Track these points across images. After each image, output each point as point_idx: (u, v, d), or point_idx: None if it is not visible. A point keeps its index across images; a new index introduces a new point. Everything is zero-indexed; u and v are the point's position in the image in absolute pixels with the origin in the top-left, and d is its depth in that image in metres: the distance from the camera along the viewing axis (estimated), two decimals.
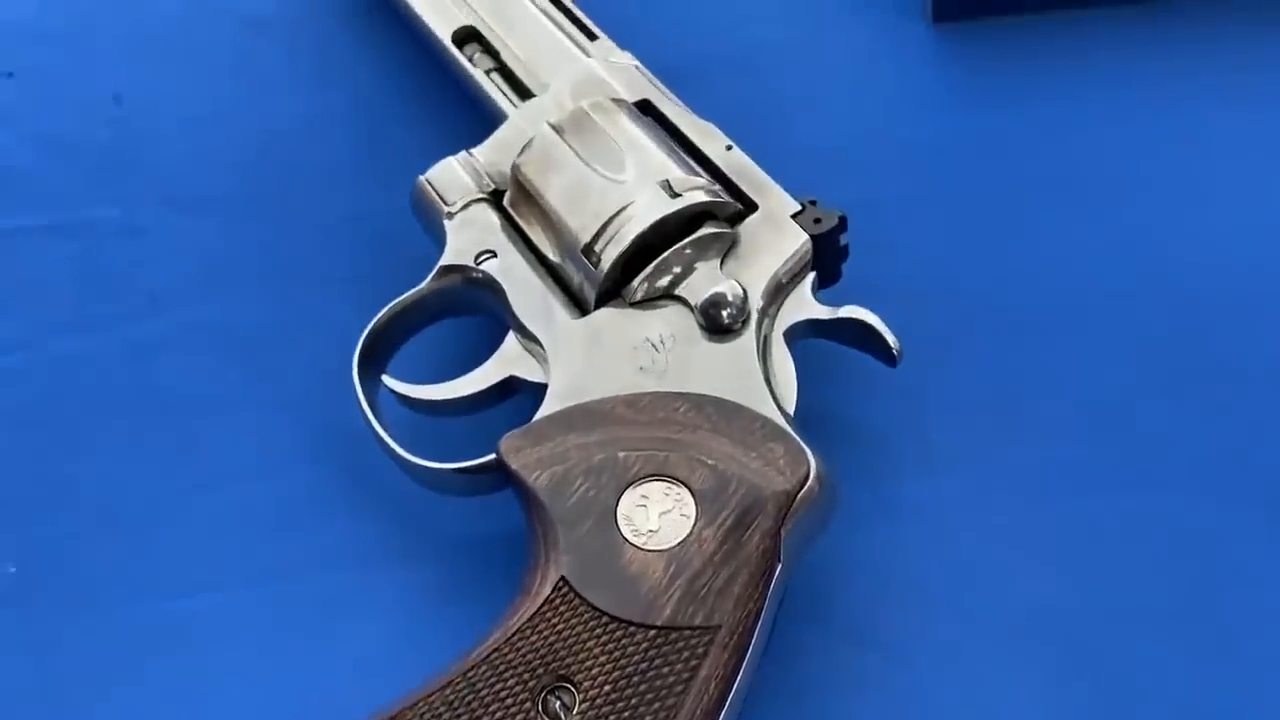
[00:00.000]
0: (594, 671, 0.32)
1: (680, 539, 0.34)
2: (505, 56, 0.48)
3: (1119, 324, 0.45)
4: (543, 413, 0.38)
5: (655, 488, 0.35)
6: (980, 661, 0.39)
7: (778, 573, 0.34)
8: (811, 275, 0.40)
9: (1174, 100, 0.50)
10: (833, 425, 0.41)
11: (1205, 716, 0.38)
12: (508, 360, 0.41)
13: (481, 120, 0.48)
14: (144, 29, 0.56)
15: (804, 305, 0.40)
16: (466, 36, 0.49)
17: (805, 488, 0.35)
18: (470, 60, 0.49)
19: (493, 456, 0.38)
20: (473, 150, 0.45)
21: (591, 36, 0.48)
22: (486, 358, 0.42)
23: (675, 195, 0.40)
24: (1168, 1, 0.52)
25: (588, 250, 0.40)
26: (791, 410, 0.38)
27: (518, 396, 0.41)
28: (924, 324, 0.42)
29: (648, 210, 0.40)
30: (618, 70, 0.46)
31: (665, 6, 0.55)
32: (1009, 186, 0.49)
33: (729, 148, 0.43)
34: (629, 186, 0.40)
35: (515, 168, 0.43)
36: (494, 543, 0.41)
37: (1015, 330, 0.45)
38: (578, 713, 0.32)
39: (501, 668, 0.32)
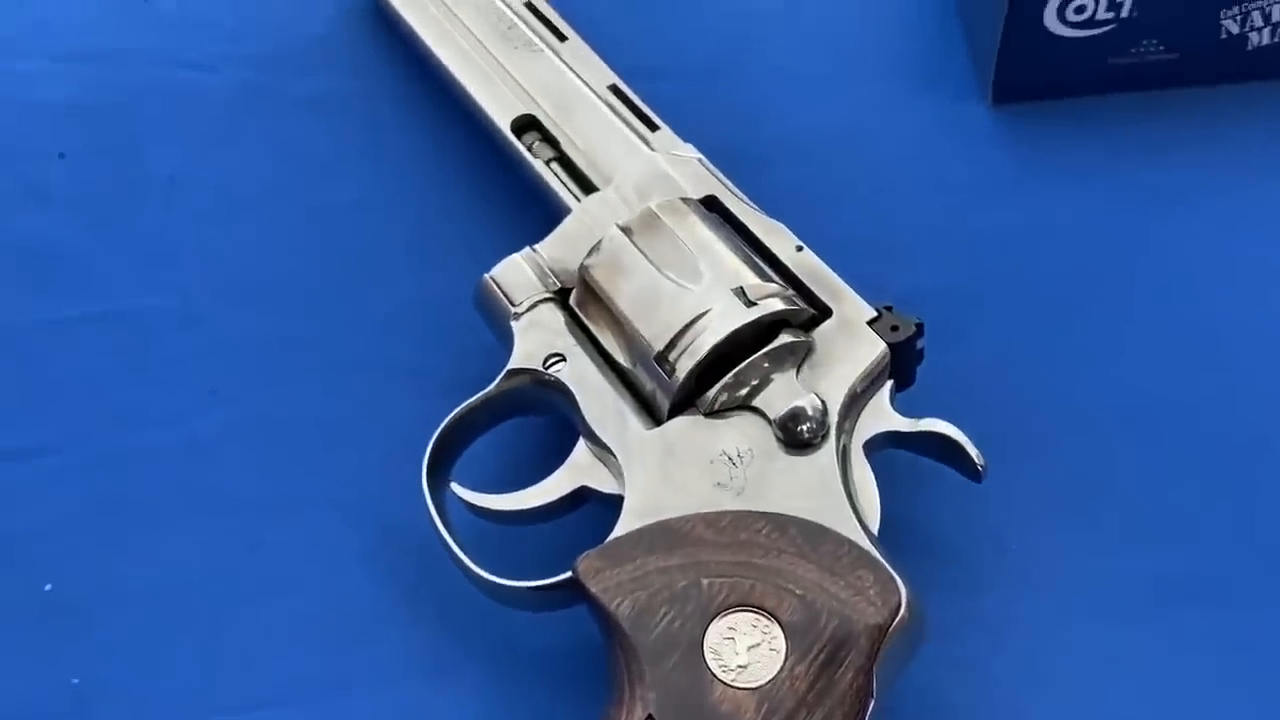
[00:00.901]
0: None
1: (771, 676, 0.32)
2: (565, 146, 0.47)
3: (1194, 424, 0.43)
4: (620, 530, 0.36)
5: (743, 619, 0.33)
6: None
7: (870, 708, 0.32)
8: (889, 384, 0.39)
9: (1242, 185, 0.49)
10: (906, 532, 0.39)
11: None
12: (579, 469, 0.39)
13: (540, 208, 0.47)
14: (195, 109, 0.54)
15: (883, 416, 0.38)
16: (525, 125, 0.48)
17: (898, 619, 0.33)
18: (529, 149, 0.47)
19: (569, 575, 0.36)
20: (537, 246, 0.44)
21: (653, 126, 0.47)
22: (552, 455, 0.41)
23: (751, 304, 0.38)
24: (1233, 85, 0.51)
25: (661, 359, 0.38)
26: (876, 529, 0.36)
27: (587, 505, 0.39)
28: (995, 424, 0.40)
29: (723, 321, 0.38)
30: (682, 164, 0.45)
31: (723, 90, 0.53)
32: (1076, 275, 0.47)
33: (799, 248, 0.42)
34: (703, 294, 0.39)
35: (584, 269, 0.41)
36: (561, 654, 0.40)
37: (1089, 431, 0.43)
38: None
39: None
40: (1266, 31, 0.49)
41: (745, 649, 0.33)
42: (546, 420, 0.43)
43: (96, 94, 0.55)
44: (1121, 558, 0.40)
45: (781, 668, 0.32)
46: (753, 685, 0.32)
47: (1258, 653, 0.39)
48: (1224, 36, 0.49)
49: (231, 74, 0.56)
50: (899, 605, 0.34)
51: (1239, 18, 0.49)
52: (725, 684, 0.32)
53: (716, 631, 0.33)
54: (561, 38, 0.50)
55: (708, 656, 0.33)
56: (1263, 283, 0.46)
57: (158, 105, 0.55)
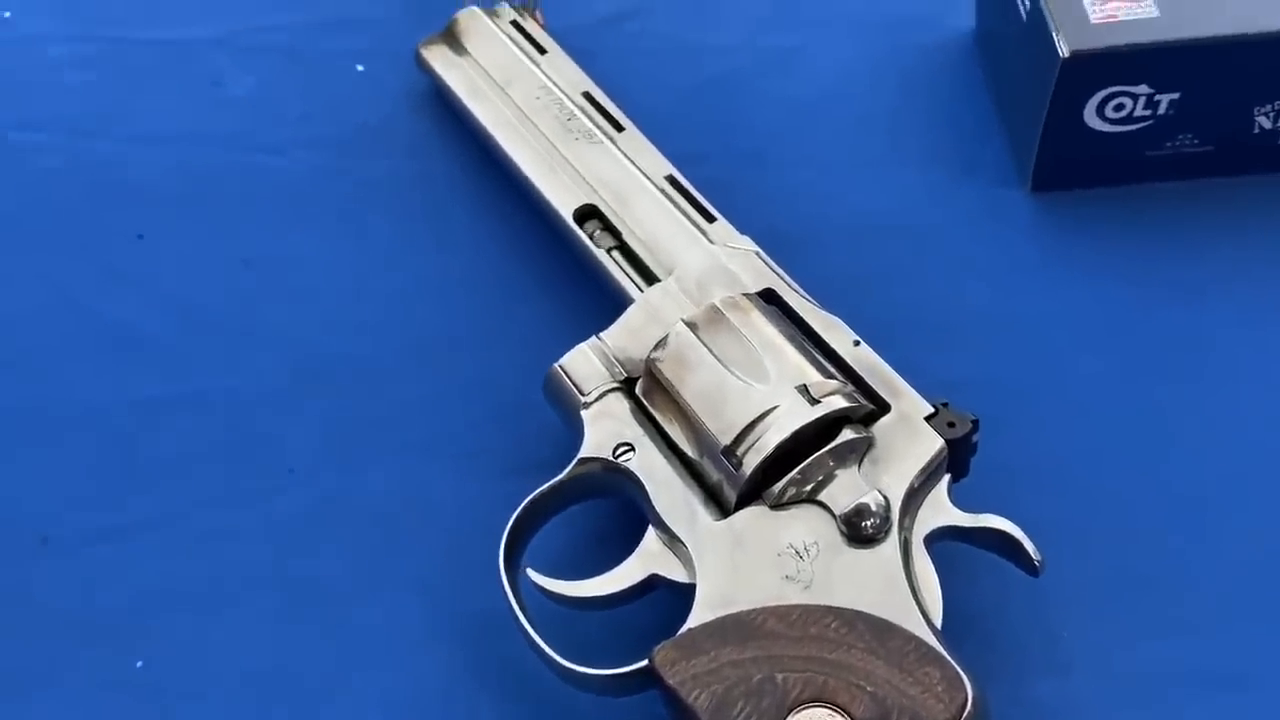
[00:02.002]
0: None
1: None
2: (626, 235, 0.48)
3: (1239, 516, 0.43)
4: (693, 621, 0.37)
5: (818, 714, 0.34)
6: None
7: None
8: (946, 478, 0.39)
9: (1275, 275, 0.49)
10: (961, 620, 0.39)
11: None
12: (650, 557, 0.39)
13: (600, 294, 0.47)
14: (267, 191, 0.55)
15: (941, 510, 0.39)
16: (587, 213, 0.49)
17: (964, 716, 0.33)
18: (591, 237, 0.48)
19: (645, 664, 0.36)
20: (602, 336, 0.44)
21: (709, 218, 0.47)
22: (615, 534, 0.41)
23: (815, 401, 0.39)
24: (1266, 176, 0.51)
25: (728, 453, 0.39)
26: (939, 623, 0.36)
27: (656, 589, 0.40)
28: (1042, 512, 0.40)
29: (789, 418, 0.38)
30: (740, 257, 0.45)
31: (768, 175, 0.54)
32: (1115, 363, 0.48)
33: (856, 343, 0.42)
34: (768, 392, 0.39)
35: (651, 362, 0.42)
36: None
37: (1134, 522, 0.43)
38: None
39: None
40: None
41: None
42: (607, 502, 0.43)
43: (172, 176, 0.56)
44: (1167, 647, 0.40)
45: None
46: None
47: None
48: (1257, 131, 0.50)
49: (301, 157, 0.56)
50: (965, 702, 0.34)
51: (1272, 114, 0.49)
52: None
53: None
54: (619, 128, 0.51)
55: None
56: None
57: (231, 187, 0.55)
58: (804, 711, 0.34)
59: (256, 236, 0.54)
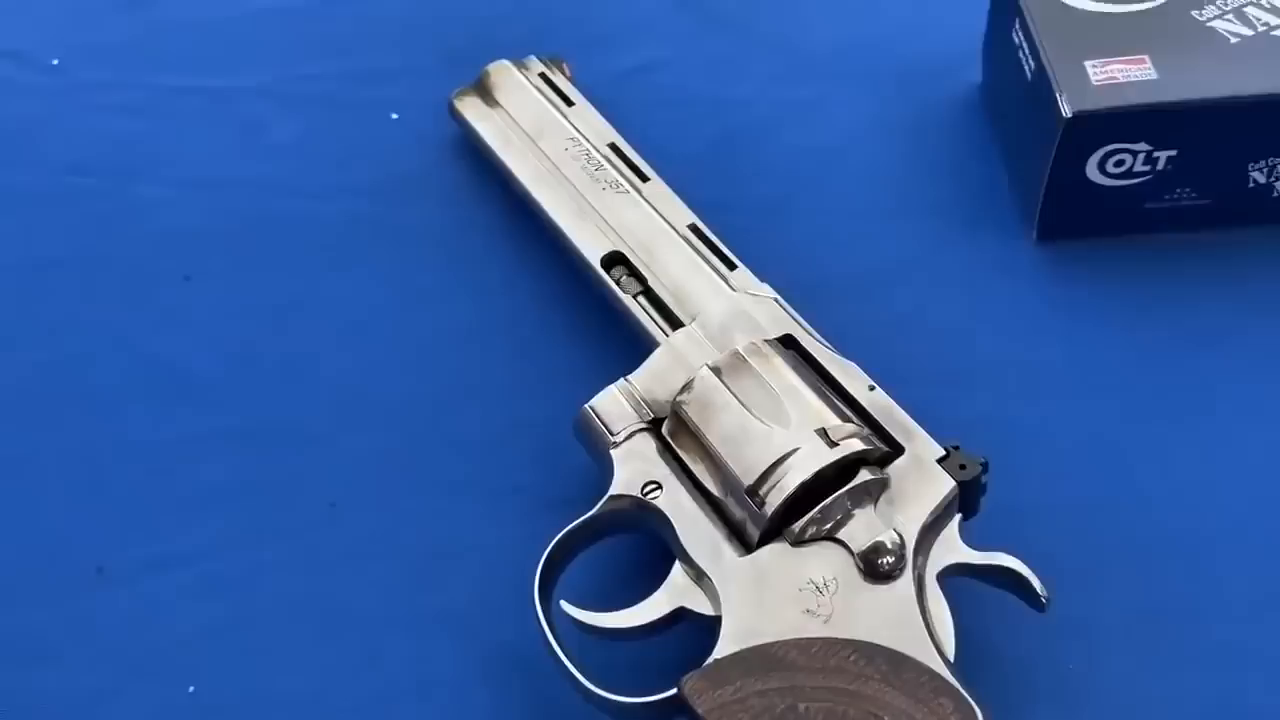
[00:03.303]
0: None
1: None
2: (651, 281, 0.49)
3: (1242, 555, 0.45)
4: (719, 652, 0.38)
5: None
6: None
7: None
8: (957, 517, 0.41)
9: (1271, 323, 0.51)
10: (973, 654, 0.41)
11: None
12: (677, 591, 0.41)
13: (627, 338, 0.49)
14: (309, 235, 0.57)
15: (953, 548, 0.40)
16: (614, 260, 0.50)
17: None
18: (618, 283, 0.50)
19: (674, 692, 0.38)
20: (630, 378, 0.46)
21: (731, 265, 0.49)
22: (647, 569, 0.43)
23: (833, 444, 0.41)
24: (1261, 228, 0.53)
25: (752, 492, 0.40)
26: (951, 655, 0.38)
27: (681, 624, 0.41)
28: (1050, 550, 0.42)
29: (809, 460, 0.40)
30: (760, 304, 0.47)
31: (786, 224, 0.56)
32: (1120, 406, 0.49)
33: (871, 387, 0.44)
34: (789, 435, 0.41)
35: (677, 405, 0.43)
36: None
37: (1139, 561, 0.45)
38: None
39: None
40: None
41: None
42: (635, 537, 0.45)
43: (218, 220, 0.57)
44: (1171, 682, 0.42)
45: None
46: None
47: None
48: (1251, 185, 0.51)
49: (339, 203, 0.58)
50: None
51: (1265, 169, 0.51)
52: None
53: None
54: (644, 178, 0.53)
55: None
56: None
57: (274, 231, 0.57)
58: None
59: (298, 279, 0.55)
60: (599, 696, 0.40)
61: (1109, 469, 0.48)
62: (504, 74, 0.58)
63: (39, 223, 0.58)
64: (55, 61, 0.65)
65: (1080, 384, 0.50)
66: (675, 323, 0.47)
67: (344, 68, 0.63)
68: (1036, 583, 0.39)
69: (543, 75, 0.58)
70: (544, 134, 0.55)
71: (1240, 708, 0.42)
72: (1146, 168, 0.50)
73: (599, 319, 0.51)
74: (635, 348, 0.48)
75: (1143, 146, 0.49)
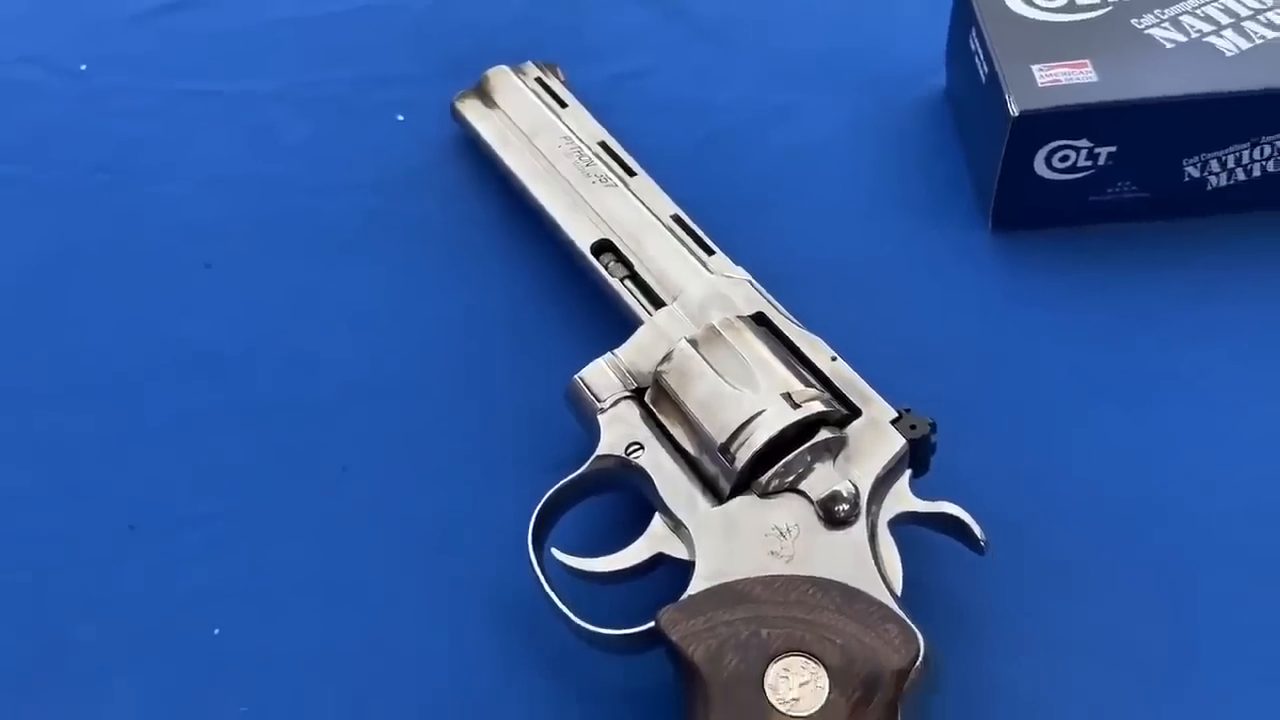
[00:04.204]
0: None
1: (818, 707, 0.39)
2: (637, 267, 0.54)
3: (1169, 514, 0.50)
4: (692, 589, 0.44)
5: (795, 662, 0.40)
6: None
7: None
8: (908, 473, 0.46)
9: (1202, 305, 0.56)
10: (923, 599, 0.45)
11: None
12: (656, 539, 0.46)
13: (614, 317, 0.54)
14: (321, 229, 0.62)
15: (903, 499, 0.45)
16: (602, 247, 0.55)
17: (917, 664, 0.40)
18: (606, 268, 0.55)
19: (652, 625, 0.43)
20: (616, 352, 0.51)
21: (709, 251, 0.54)
22: (629, 525, 0.48)
23: (796, 406, 0.46)
24: (1195, 219, 0.58)
25: (724, 450, 0.46)
26: (899, 591, 0.43)
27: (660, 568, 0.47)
28: (995, 506, 0.47)
29: (775, 420, 0.45)
30: (735, 285, 0.52)
31: (765, 219, 0.60)
32: (1066, 380, 0.54)
33: (834, 358, 0.49)
34: (758, 399, 0.46)
35: (658, 374, 0.49)
36: (641, 691, 0.47)
37: (1074, 519, 0.50)
38: None
39: None
40: (1222, 175, 0.57)
41: (797, 685, 0.40)
42: (620, 495, 0.50)
43: (235, 214, 0.62)
44: (1095, 622, 0.47)
45: (826, 701, 0.39)
46: (803, 715, 0.39)
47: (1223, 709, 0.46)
48: (1186, 180, 0.57)
49: (348, 198, 0.63)
50: (918, 654, 0.41)
51: (1198, 165, 0.56)
52: (781, 713, 0.39)
53: (774, 672, 0.40)
54: (631, 173, 0.58)
55: (767, 691, 0.40)
56: (1216, 390, 0.53)
57: (287, 224, 0.62)
58: (783, 659, 0.40)
59: (311, 268, 0.60)
60: (587, 631, 0.45)
61: (1052, 438, 0.53)
62: (502, 78, 0.63)
63: (70, 216, 0.63)
64: (83, 67, 0.70)
65: (1029, 361, 0.55)
66: (658, 303, 0.53)
67: (352, 73, 0.69)
68: (977, 528, 0.44)
69: (538, 79, 0.63)
70: (539, 133, 0.60)
71: (1168, 646, 0.47)
72: (1089, 163, 0.56)
73: (589, 302, 0.57)
74: (622, 327, 0.53)
75: (1084, 143, 0.55)
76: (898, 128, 0.65)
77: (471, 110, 0.63)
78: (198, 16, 0.72)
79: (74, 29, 0.72)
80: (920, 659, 0.41)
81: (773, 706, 0.40)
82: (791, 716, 0.39)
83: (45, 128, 0.67)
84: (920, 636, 0.41)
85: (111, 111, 0.68)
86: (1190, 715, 0.46)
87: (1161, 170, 0.56)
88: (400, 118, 0.66)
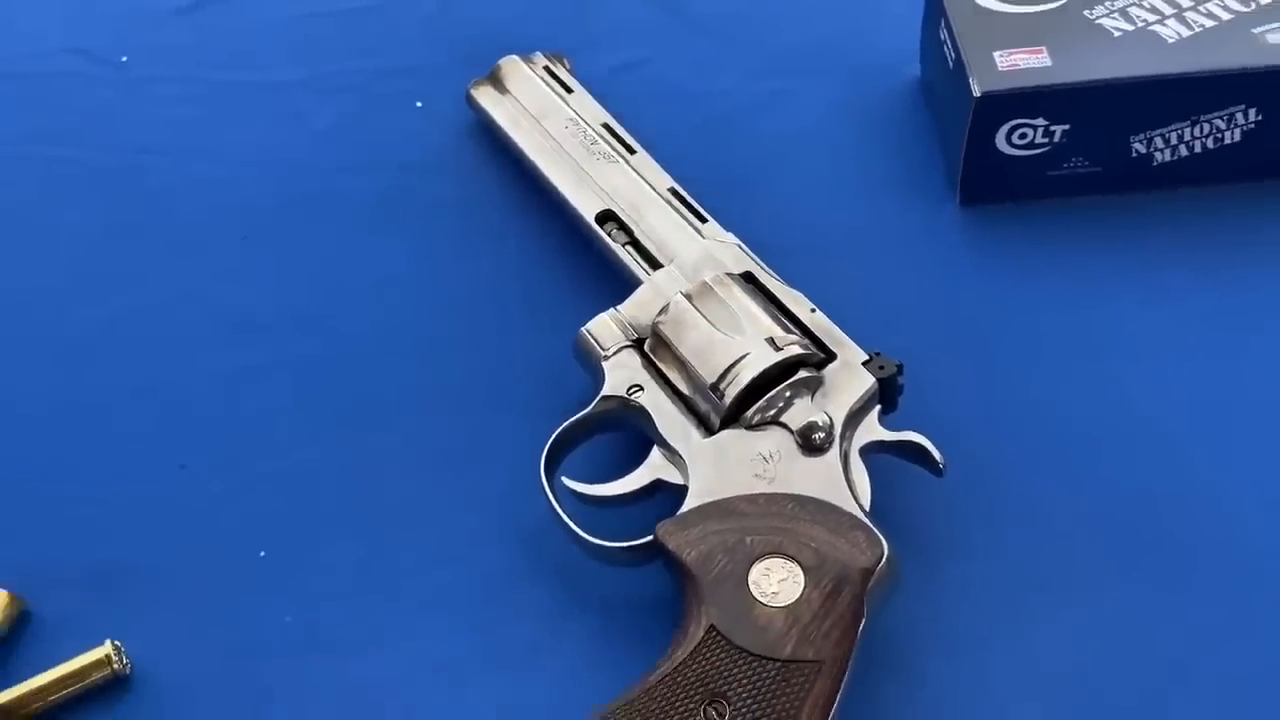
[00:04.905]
0: (740, 691, 0.44)
1: (794, 599, 0.46)
2: (637, 234, 0.60)
3: (1111, 452, 0.56)
4: (687, 506, 0.50)
5: (775, 562, 0.47)
6: (992, 691, 0.51)
7: (862, 624, 0.46)
8: (877, 408, 0.53)
9: (1149, 271, 0.62)
10: (894, 519, 0.52)
11: None
12: (655, 468, 0.53)
13: (617, 279, 0.60)
14: (349, 205, 0.68)
15: (872, 430, 0.52)
16: (606, 217, 0.61)
17: (880, 564, 0.47)
18: (610, 235, 0.61)
19: (651, 538, 0.50)
20: (618, 308, 0.57)
21: (702, 219, 0.60)
22: (626, 459, 0.54)
23: (778, 349, 0.52)
24: (1143, 192, 0.65)
25: (714, 388, 0.52)
26: (867, 507, 0.50)
27: (658, 495, 0.53)
28: (959, 445, 0.53)
29: (758, 361, 0.52)
30: (725, 248, 0.59)
31: (755, 195, 0.66)
32: (1025, 335, 0.60)
33: (813, 310, 0.56)
34: (744, 343, 0.53)
35: (656, 324, 0.55)
36: (642, 600, 0.53)
37: (1031, 454, 0.56)
38: (731, 719, 0.44)
39: (675, 687, 0.44)
40: (1167, 152, 0.63)
41: (776, 581, 0.47)
42: (619, 436, 0.56)
43: (268, 191, 0.69)
44: (1047, 541, 0.54)
45: (801, 594, 0.46)
46: (782, 605, 0.46)
47: (1150, 616, 0.52)
48: (1134, 155, 0.63)
49: (373, 177, 0.69)
50: (882, 555, 0.47)
51: (1144, 141, 0.63)
52: (763, 604, 0.46)
53: (757, 570, 0.47)
54: (631, 151, 0.64)
55: (750, 587, 0.46)
56: (1158, 346, 0.60)
57: (317, 200, 0.68)
58: (765, 560, 0.47)
59: (339, 239, 0.67)
60: (594, 545, 0.52)
61: (1011, 386, 0.59)
62: (513, 67, 0.69)
63: (119, 193, 0.69)
64: (124, 59, 0.76)
65: (992, 320, 0.62)
66: (656, 265, 0.59)
67: (374, 64, 0.75)
68: (936, 453, 0.51)
69: (546, 68, 0.69)
70: (547, 116, 0.66)
71: (1108, 568, 0.53)
72: (1045, 140, 0.62)
73: (594, 266, 0.63)
74: (624, 287, 0.59)
75: (1041, 121, 0.61)
76: (876, 112, 0.71)
77: (485, 96, 0.69)
78: (230, 11, 0.79)
79: (114, 24, 0.78)
80: (884, 560, 0.47)
81: (755, 599, 0.46)
82: (772, 607, 0.46)
83: (92, 113, 0.74)
84: (885, 542, 0.48)
85: (153, 99, 0.74)
86: (1125, 615, 0.52)
87: (1111, 146, 0.63)
88: (419, 104, 0.73)
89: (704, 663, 0.45)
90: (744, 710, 0.43)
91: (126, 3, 0.80)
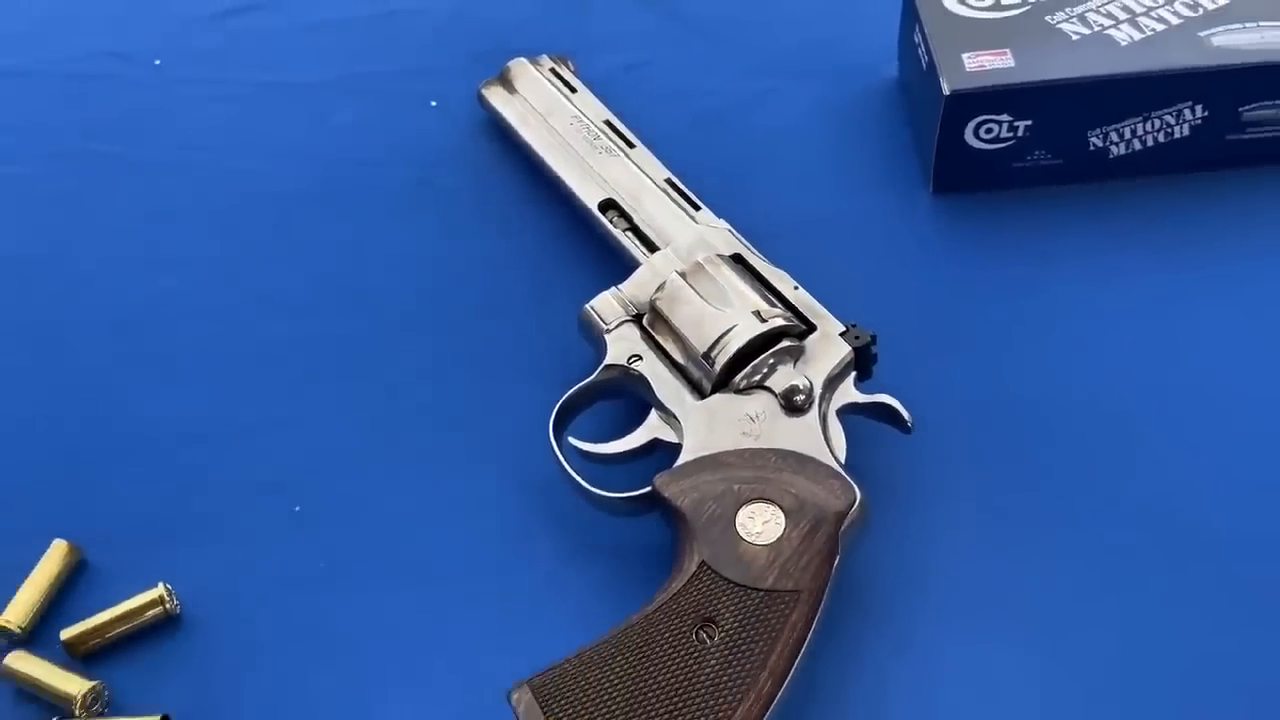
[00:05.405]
0: (728, 616, 0.50)
1: (776, 538, 0.52)
2: (637, 220, 0.66)
3: (1065, 415, 0.62)
4: (681, 460, 0.56)
5: (759, 507, 0.53)
6: (952, 623, 0.56)
7: (836, 560, 0.52)
8: (852, 374, 0.59)
9: (1105, 253, 0.68)
10: (867, 472, 0.57)
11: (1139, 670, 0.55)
12: (652, 428, 0.59)
13: (616, 261, 0.65)
14: (371, 195, 0.74)
15: (848, 393, 0.58)
16: (608, 205, 0.67)
17: (853, 508, 0.53)
18: (611, 222, 0.67)
19: (650, 489, 0.56)
20: (619, 286, 0.63)
21: (696, 207, 0.66)
22: (627, 426, 0.60)
23: (763, 321, 0.58)
24: (1100, 182, 0.71)
25: (706, 356, 0.58)
26: (843, 460, 0.55)
27: (655, 454, 0.59)
28: (928, 410, 0.59)
29: (745, 331, 0.58)
30: (717, 233, 0.64)
31: (744, 184, 0.72)
32: (991, 327, 0.66)
33: (796, 288, 0.61)
34: (732, 315, 0.58)
35: (653, 301, 0.61)
36: (644, 546, 0.59)
37: (991, 417, 0.62)
38: (719, 640, 0.50)
39: (672, 613, 0.50)
40: (1122, 145, 0.69)
41: (761, 523, 0.52)
42: (620, 405, 0.62)
43: (299, 182, 0.74)
44: (1008, 491, 0.60)
45: (782, 534, 0.52)
46: (765, 543, 0.52)
47: (1096, 550, 0.58)
48: (1092, 149, 0.69)
49: (393, 170, 0.75)
50: (854, 500, 0.53)
51: (1101, 136, 0.69)
52: (748, 543, 0.52)
53: (743, 514, 0.53)
54: (631, 145, 0.69)
55: (738, 528, 0.52)
56: (1110, 323, 0.65)
57: (342, 191, 0.74)
58: (750, 505, 0.53)
59: (364, 225, 0.72)
60: (597, 495, 0.57)
61: (977, 357, 0.64)
62: (522, 69, 0.75)
63: (160, 185, 0.75)
64: (157, 62, 0.83)
65: (962, 298, 0.67)
66: (653, 248, 0.65)
67: (393, 66, 0.81)
68: (905, 412, 0.57)
69: (552, 70, 0.75)
70: (553, 114, 0.72)
71: (1054, 512, 0.59)
72: (1010, 134, 0.68)
73: (596, 250, 0.69)
74: (624, 270, 0.64)
75: (1006, 117, 0.67)
76: (857, 109, 0.77)
77: (495, 96, 0.75)
78: (258, 19, 0.85)
79: (149, 30, 0.85)
80: (856, 505, 0.53)
81: (742, 538, 0.52)
82: (756, 545, 0.52)
83: (132, 113, 0.80)
84: (857, 489, 0.54)
85: (188, 99, 0.80)
86: (1070, 554, 0.58)
87: (1071, 141, 0.69)
88: (434, 103, 0.79)
89: (697, 593, 0.50)
90: (732, 632, 0.49)
91: (160, 10, 0.86)
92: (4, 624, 0.56)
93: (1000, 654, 0.55)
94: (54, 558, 0.58)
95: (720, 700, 0.48)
